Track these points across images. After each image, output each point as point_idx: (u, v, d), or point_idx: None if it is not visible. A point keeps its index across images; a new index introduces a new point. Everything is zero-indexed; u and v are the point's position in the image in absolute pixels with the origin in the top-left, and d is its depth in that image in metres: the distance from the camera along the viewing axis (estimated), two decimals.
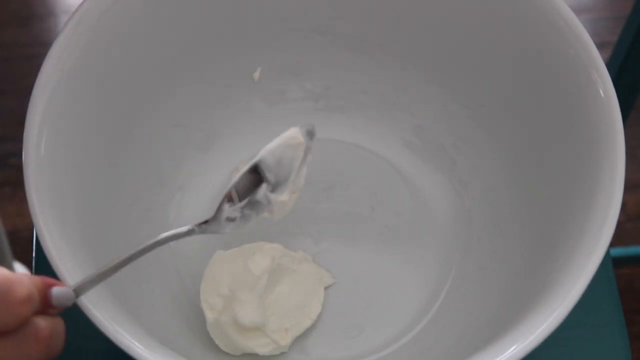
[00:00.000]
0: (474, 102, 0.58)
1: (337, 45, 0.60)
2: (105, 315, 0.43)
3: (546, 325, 0.43)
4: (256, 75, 0.61)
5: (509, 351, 0.43)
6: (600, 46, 0.51)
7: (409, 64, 0.60)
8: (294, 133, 0.48)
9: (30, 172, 0.46)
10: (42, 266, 0.55)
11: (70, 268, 0.44)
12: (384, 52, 0.60)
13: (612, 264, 0.59)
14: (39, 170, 0.46)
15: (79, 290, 0.41)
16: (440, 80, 0.59)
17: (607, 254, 0.59)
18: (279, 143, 0.48)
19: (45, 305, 0.39)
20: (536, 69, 0.53)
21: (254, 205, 0.48)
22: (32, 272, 0.57)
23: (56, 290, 0.39)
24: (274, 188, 0.48)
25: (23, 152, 0.47)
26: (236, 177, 0.48)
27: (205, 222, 0.47)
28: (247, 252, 0.55)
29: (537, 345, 0.43)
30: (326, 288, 0.57)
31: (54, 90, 0.48)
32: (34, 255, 0.57)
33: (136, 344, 0.43)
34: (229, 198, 0.47)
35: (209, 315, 0.53)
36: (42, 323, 0.38)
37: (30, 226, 0.58)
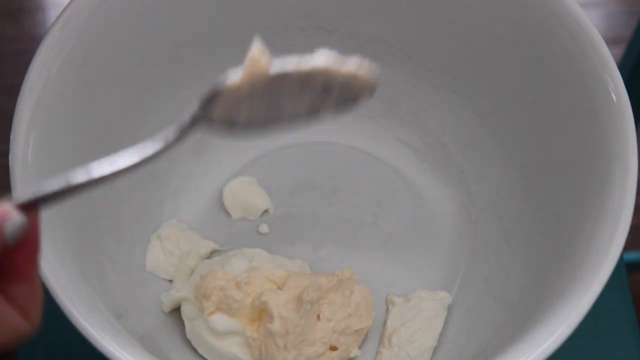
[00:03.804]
0: (485, 109, 0.58)
1: (343, 45, 0.60)
2: (95, 325, 0.43)
3: (555, 337, 0.44)
4: None
5: None
6: (614, 41, 0.51)
7: (418, 67, 0.60)
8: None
9: (18, 179, 0.46)
10: None
11: (60, 273, 0.44)
12: (393, 54, 0.60)
13: (625, 269, 0.59)
14: (26, 176, 0.47)
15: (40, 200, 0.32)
16: (450, 85, 0.59)
17: (621, 258, 0.59)
18: None
19: None
20: (548, 74, 0.53)
21: None
22: None
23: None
24: None
25: (10, 159, 0.47)
26: None
27: None
28: (226, 258, 0.55)
29: (546, 358, 0.43)
30: None
31: (41, 95, 0.48)
32: None
33: (125, 355, 0.43)
34: None
35: (187, 323, 0.53)
36: None
37: None
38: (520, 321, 0.49)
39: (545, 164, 0.54)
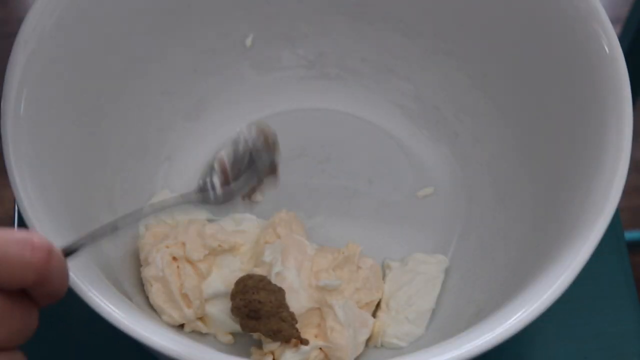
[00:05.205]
0: (477, 71, 0.59)
1: (333, 9, 0.60)
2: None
3: (554, 289, 0.44)
4: (248, 41, 0.61)
5: (516, 316, 0.43)
6: (614, 20, 0.51)
7: (409, 30, 0.60)
8: None
9: (9, 138, 0.47)
10: None
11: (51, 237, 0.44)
12: (384, 17, 0.60)
13: (627, 250, 0.59)
14: (17, 137, 0.47)
15: (67, 251, 0.39)
16: (442, 47, 0.60)
17: (623, 239, 0.60)
18: None
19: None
20: (539, 30, 0.54)
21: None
22: None
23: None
24: None
25: (1, 117, 0.47)
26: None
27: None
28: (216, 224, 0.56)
29: (544, 310, 0.43)
30: None
31: (34, 51, 0.49)
32: None
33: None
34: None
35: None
36: None
37: (10, 214, 0.59)
38: (517, 281, 0.49)
39: (540, 122, 0.55)
